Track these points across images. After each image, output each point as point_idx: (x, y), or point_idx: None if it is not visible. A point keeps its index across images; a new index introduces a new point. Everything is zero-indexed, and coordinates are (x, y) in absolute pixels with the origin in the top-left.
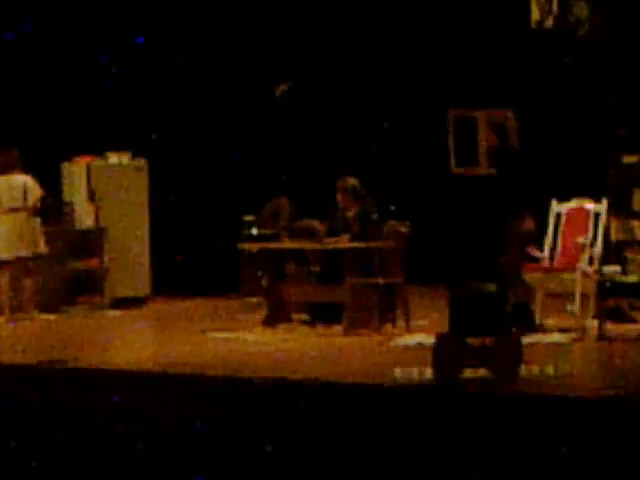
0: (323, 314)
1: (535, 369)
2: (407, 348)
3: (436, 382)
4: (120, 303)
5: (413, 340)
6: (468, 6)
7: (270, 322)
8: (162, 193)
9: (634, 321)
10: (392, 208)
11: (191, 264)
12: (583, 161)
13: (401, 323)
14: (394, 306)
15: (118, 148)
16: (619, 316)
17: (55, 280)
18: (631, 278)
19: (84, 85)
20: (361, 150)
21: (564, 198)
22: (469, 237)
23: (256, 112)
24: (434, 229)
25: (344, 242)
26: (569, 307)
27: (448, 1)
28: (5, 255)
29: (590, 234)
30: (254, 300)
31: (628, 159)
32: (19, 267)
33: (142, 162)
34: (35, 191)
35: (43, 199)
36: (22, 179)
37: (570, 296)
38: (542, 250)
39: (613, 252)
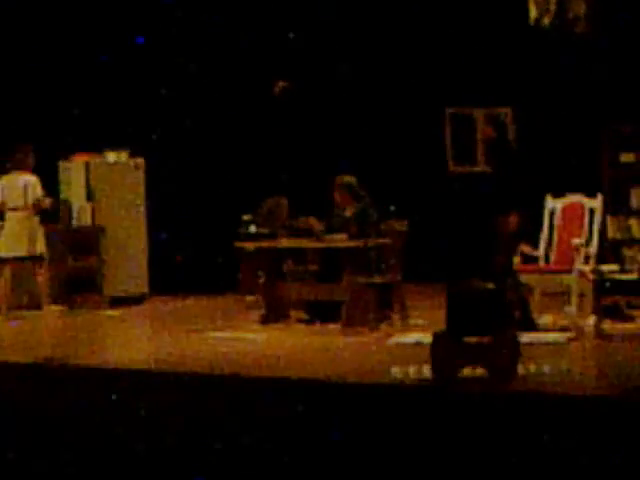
0: (321, 312)
1: (532, 367)
2: (404, 346)
3: (433, 380)
4: (118, 302)
5: (411, 338)
6: (466, 4)
7: (268, 320)
8: (160, 191)
9: (632, 319)
10: (392, 208)
11: (189, 263)
12: (579, 158)
13: (398, 321)
14: (392, 304)
15: (116, 146)
16: (617, 314)
17: (52, 279)
18: (629, 276)
19: (82, 83)
20: (359, 148)
21: (558, 194)
22: (467, 235)
23: (254, 110)
24: (432, 227)
25: (342, 240)
26: (566, 308)
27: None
28: (4, 254)
29: (586, 230)
30: (252, 299)
31: (625, 158)
32: (19, 266)
33: (140, 160)
34: (36, 191)
35: (48, 201)
36: (24, 178)
37: (567, 295)
38: (536, 247)
39: (611, 250)
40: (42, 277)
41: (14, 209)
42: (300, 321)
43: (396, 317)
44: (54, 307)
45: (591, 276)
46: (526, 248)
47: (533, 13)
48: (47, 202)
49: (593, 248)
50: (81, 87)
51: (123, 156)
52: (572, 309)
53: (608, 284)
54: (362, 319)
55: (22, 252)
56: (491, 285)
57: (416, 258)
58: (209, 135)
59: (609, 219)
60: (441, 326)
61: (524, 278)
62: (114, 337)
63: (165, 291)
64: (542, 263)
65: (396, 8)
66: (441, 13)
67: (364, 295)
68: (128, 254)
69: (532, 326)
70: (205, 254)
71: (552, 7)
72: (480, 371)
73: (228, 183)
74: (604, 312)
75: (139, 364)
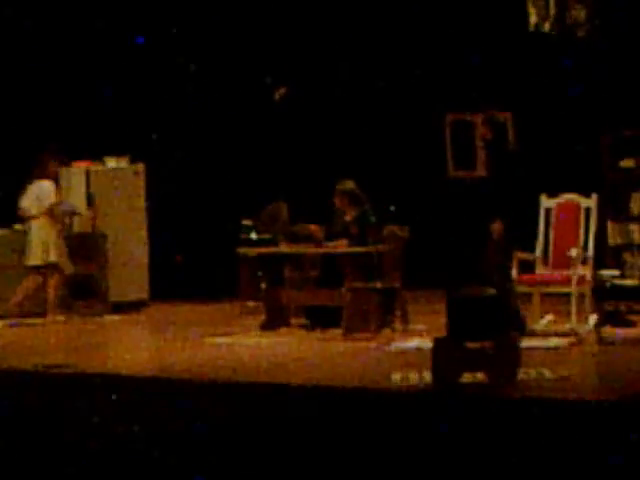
0: (321, 318)
1: (533, 373)
2: (405, 352)
3: (434, 386)
4: (119, 308)
5: (411, 344)
6: (466, 9)
7: (268, 326)
8: (160, 197)
9: (633, 325)
10: (392, 208)
11: (189, 268)
12: (579, 163)
13: (399, 327)
14: (392, 310)
15: (116, 153)
16: (618, 320)
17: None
18: (629, 282)
19: (82, 90)
20: (359, 154)
21: (553, 193)
22: (467, 241)
23: (255, 116)
24: (432, 233)
25: (342, 246)
26: (567, 325)
27: (446, 4)
28: (26, 263)
29: (582, 232)
30: (252, 304)
31: (625, 163)
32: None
33: (140, 167)
34: (47, 198)
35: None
36: (38, 186)
37: (566, 297)
38: (532, 249)
39: (611, 256)
40: (52, 285)
41: (31, 217)
42: (301, 327)
43: (397, 322)
44: (56, 314)
45: (590, 281)
46: (522, 255)
47: (533, 18)
48: (56, 210)
49: (591, 250)
50: (81, 93)
51: (123, 162)
52: (573, 324)
53: (607, 287)
54: (363, 325)
55: (37, 261)
56: (492, 291)
57: (417, 263)
58: (209, 141)
59: (609, 224)
60: (442, 332)
61: (523, 289)
62: (115, 343)
63: (166, 297)
64: (539, 265)
65: (397, 13)
66: (442, 19)
67: (365, 301)
68: (129, 260)
69: (523, 331)
70: (205, 260)
71: (552, 12)
72: (481, 376)
73: (228, 189)
74: (605, 317)
75: (140, 370)
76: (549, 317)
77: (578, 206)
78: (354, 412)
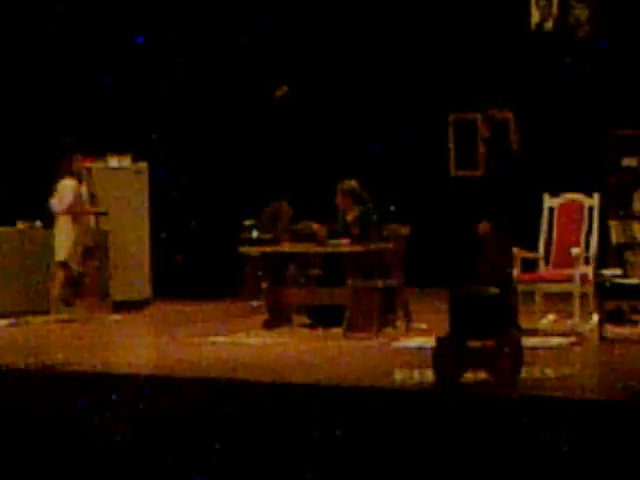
0: (323, 317)
1: (535, 372)
2: (407, 351)
3: (436, 385)
4: (121, 306)
5: (413, 343)
6: (468, 9)
7: (270, 325)
8: (162, 196)
9: (635, 324)
10: (392, 208)
11: (192, 267)
12: (581, 162)
13: (401, 326)
14: (394, 309)
15: (118, 151)
16: (620, 319)
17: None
18: (632, 281)
19: (84, 87)
20: (361, 153)
21: (556, 193)
22: (462, 239)
23: (256, 115)
24: (434, 232)
25: (344, 245)
26: (569, 322)
27: (448, 4)
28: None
29: (584, 231)
30: (254, 303)
31: (628, 161)
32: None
33: (142, 165)
34: (66, 197)
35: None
36: (62, 185)
37: (569, 296)
38: (534, 248)
39: (614, 255)
40: (56, 283)
41: (55, 215)
42: (303, 326)
43: (399, 321)
44: (58, 312)
45: (593, 280)
46: (522, 253)
47: (535, 18)
48: (72, 208)
49: (593, 250)
50: (83, 91)
51: (126, 161)
52: (576, 321)
53: (611, 288)
54: (365, 323)
55: (59, 257)
56: (494, 289)
57: (419, 262)
58: (212, 140)
59: (612, 223)
60: (444, 330)
61: (525, 287)
62: (117, 342)
63: (168, 296)
64: (542, 264)
65: (399, 13)
66: (444, 19)
67: (367, 299)
68: (131, 258)
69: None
70: (208, 259)
71: (554, 12)
72: (483, 375)
73: (230, 188)
74: (607, 316)
75: (142, 368)
76: (551, 317)
77: (581, 205)
78: (356, 411)
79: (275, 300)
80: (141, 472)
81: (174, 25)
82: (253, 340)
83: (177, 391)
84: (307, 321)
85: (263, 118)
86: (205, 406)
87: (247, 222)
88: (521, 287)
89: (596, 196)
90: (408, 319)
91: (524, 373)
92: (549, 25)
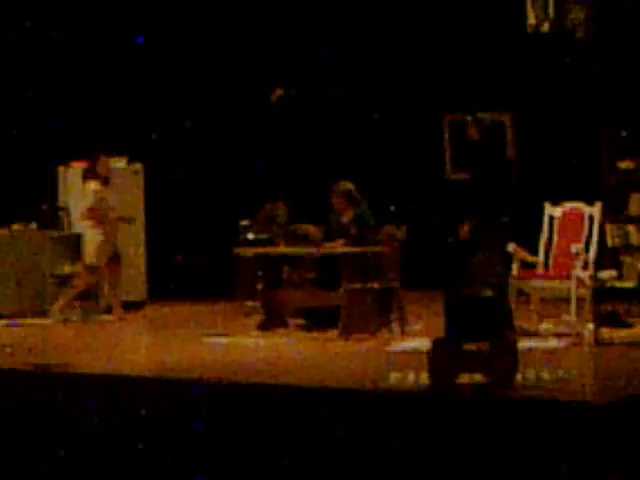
0: (319, 319)
1: (531, 374)
2: (403, 353)
3: (432, 387)
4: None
5: (409, 345)
6: (464, 11)
7: (266, 327)
8: (158, 198)
9: (630, 326)
10: (392, 208)
11: (187, 268)
12: (578, 164)
13: (397, 328)
14: (390, 311)
15: (114, 152)
16: (616, 321)
17: (51, 285)
18: (627, 283)
19: (81, 89)
20: (357, 154)
21: (557, 201)
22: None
23: (252, 117)
24: (430, 234)
25: (340, 247)
26: (565, 316)
27: (444, 6)
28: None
29: (584, 238)
30: (250, 305)
31: (624, 164)
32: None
33: (138, 167)
34: (87, 201)
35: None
36: (86, 188)
37: (566, 301)
38: (534, 254)
39: (609, 257)
40: (75, 284)
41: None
42: (298, 327)
43: (394, 323)
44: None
45: (589, 283)
46: (521, 253)
47: (532, 19)
48: (89, 214)
49: (592, 254)
50: (80, 93)
51: (121, 162)
52: (572, 317)
53: (606, 291)
54: (360, 325)
55: (85, 260)
56: (489, 292)
57: (414, 264)
58: (207, 141)
59: (607, 226)
60: (439, 333)
61: (522, 284)
62: (113, 343)
63: (163, 297)
64: (541, 269)
65: (396, 14)
66: (440, 20)
67: (362, 301)
68: (126, 260)
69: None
70: (203, 260)
71: (551, 14)
72: (478, 378)
73: (226, 189)
74: (603, 319)
75: (138, 370)
76: (547, 326)
77: (582, 214)
78: (351, 413)
79: (270, 301)
80: (141, 472)
81: (172, 26)
82: (249, 341)
83: (173, 392)
84: (303, 323)
85: (259, 119)
86: (201, 407)
87: (243, 223)
88: (519, 284)
89: (597, 204)
90: (403, 321)
91: (519, 375)
92: (546, 27)
